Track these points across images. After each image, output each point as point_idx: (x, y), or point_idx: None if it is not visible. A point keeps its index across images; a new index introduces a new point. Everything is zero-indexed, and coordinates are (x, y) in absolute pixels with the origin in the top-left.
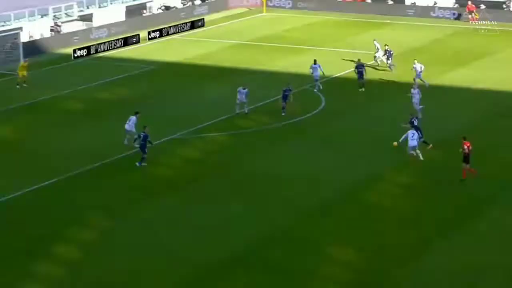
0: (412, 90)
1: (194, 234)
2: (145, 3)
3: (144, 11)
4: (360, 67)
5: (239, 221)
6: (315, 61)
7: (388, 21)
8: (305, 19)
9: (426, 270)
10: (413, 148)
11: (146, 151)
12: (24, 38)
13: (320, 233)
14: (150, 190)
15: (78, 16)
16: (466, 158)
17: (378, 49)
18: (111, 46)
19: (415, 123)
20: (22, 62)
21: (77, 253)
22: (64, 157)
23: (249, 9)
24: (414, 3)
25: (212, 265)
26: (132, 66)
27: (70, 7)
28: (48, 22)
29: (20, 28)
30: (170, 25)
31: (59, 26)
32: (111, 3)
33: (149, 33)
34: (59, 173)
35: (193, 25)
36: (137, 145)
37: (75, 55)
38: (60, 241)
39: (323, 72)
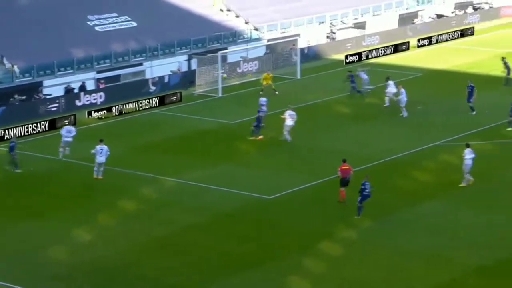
0: None
1: (452, 239)
2: (417, 11)
3: (416, 19)
4: None
5: (501, 229)
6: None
7: None
8: None
9: None
10: None
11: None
12: (301, 44)
13: None
14: (411, 193)
15: (353, 23)
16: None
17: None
18: (381, 53)
19: None
20: (265, 73)
21: (339, 250)
22: (334, 157)
23: None
24: None
25: (469, 271)
26: (400, 73)
27: (346, 14)
28: (325, 29)
29: (299, 35)
30: (439, 33)
31: (334, 33)
32: (384, 11)
33: (418, 41)
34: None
35: (463, 33)
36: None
37: (347, 61)
38: (326, 239)
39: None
